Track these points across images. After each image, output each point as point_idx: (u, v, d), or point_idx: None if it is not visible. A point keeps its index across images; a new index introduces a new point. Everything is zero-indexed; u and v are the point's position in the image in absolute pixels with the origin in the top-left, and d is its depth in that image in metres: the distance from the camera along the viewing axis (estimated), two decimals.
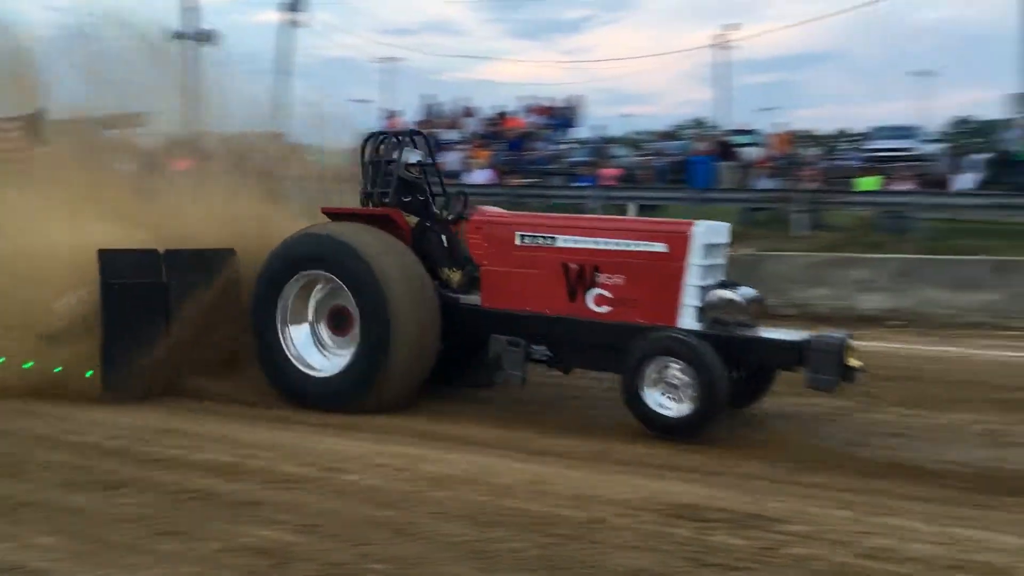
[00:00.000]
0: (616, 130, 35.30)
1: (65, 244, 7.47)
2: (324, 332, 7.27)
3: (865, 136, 27.80)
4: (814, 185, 19.15)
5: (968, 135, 31.52)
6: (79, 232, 7.56)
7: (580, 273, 6.69)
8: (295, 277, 7.14)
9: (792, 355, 6.26)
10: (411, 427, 6.61)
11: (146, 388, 7.19)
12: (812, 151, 23.72)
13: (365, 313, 6.79)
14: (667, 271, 6.43)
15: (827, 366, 6.08)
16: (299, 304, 7.26)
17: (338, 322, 7.15)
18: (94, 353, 7.19)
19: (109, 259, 7.19)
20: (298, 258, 7.12)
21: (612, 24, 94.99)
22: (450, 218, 7.65)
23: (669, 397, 6.21)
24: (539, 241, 6.84)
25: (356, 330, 6.91)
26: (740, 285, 6.58)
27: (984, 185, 16.85)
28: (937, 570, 4.22)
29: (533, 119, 26.77)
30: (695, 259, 6.40)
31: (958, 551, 4.41)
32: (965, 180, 17.87)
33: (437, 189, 7.90)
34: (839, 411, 7.13)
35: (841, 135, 30.57)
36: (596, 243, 6.69)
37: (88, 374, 7.17)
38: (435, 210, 7.76)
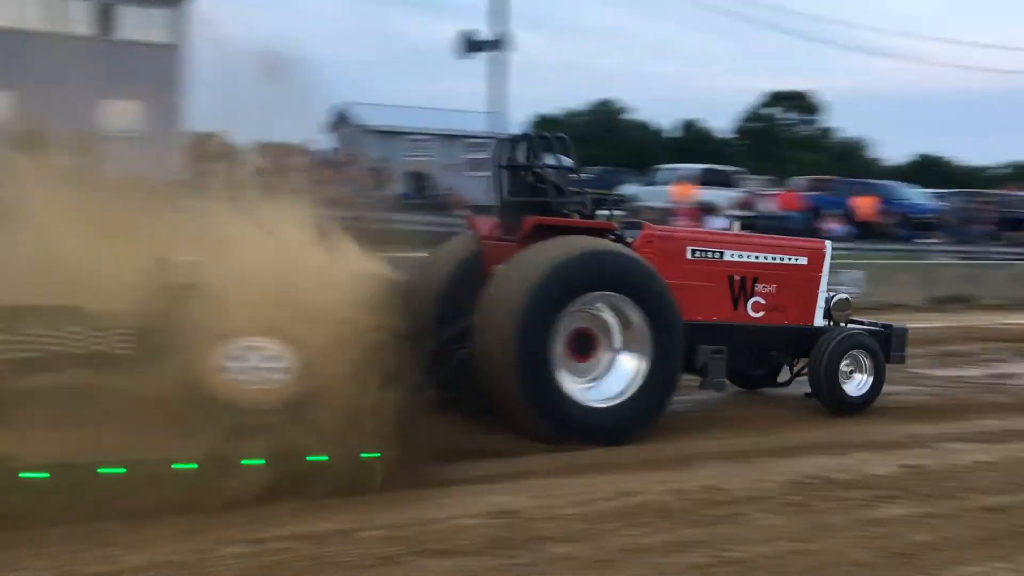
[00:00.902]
0: None
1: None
2: (564, 360, 6.82)
3: None
4: None
5: None
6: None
7: (742, 284, 7.84)
8: (571, 305, 6.73)
9: (886, 339, 8.19)
10: None
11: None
12: None
13: (659, 328, 6.91)
14: (810, 280, 8.11)
15: (904, 345, 8.32)
16: None
17: (580, 347, 6.95)
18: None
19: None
20: (583, 282, 6.76)
21: None
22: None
23: (855, 382, 7.94)
24: (708, 255, 7.75)
25: (625, 350, 6.94)
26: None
27: None
28: None
29: None
30: (826, 270, 8.19)
31: None
32: None
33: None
34: None
35: None
36: (757, 257, 7.95)
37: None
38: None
